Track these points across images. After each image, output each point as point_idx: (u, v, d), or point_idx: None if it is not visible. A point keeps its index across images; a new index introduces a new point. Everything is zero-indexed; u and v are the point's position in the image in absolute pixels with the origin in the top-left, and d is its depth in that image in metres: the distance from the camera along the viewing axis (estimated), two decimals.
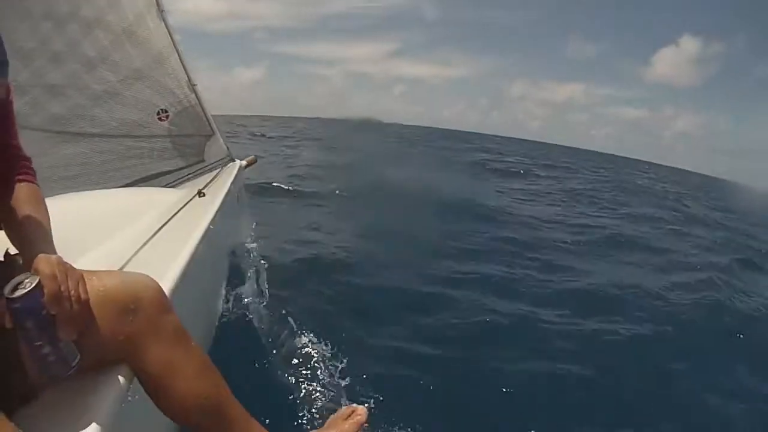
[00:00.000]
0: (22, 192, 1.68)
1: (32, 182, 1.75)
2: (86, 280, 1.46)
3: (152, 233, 2.95)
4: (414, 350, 5.12)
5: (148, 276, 1.66)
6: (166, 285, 2.06)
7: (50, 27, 4.80)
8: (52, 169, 4.92)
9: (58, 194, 4.49)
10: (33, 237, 1.59)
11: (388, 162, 20.11)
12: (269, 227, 8.53)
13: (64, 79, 4.91)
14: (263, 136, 36.35)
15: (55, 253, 1.53)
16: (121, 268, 2.40)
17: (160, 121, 5.21)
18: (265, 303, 5.09)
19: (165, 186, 5.20)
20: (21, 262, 1.55)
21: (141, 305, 1.55)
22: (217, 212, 3.46)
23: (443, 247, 8.92)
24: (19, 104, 4.59)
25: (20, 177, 1.71)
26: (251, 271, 5.35)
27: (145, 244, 2.78)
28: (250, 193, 8.14)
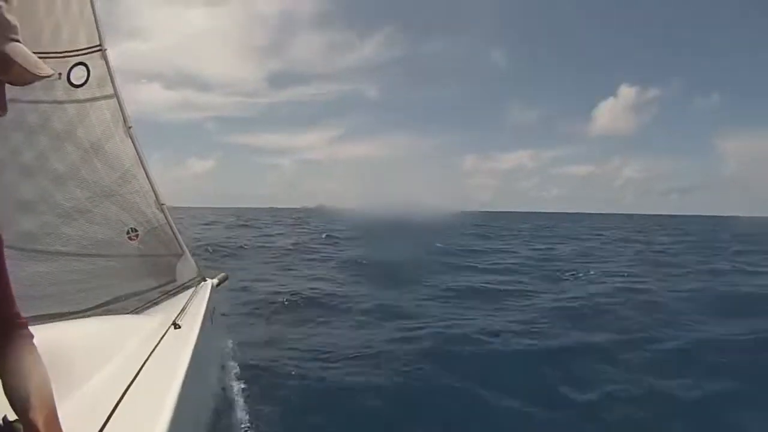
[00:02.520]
0: (20, 353, 1.65)
1: (30, 344, 1.72)
2: None
3: (130, 377, 2.76)
4: None
5: None
6: None
7: (20, 137, 4.70)
8: (20, 287, 4.60)
9: (27, 316, 4.22)
10: (37, 403, 1.52)
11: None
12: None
13: (33, 194, 4.78)
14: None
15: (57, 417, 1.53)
16: (104, 424, 2.25)
17: (130, 241, 5.08)
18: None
19: (138, 307, 5.06)
20: (21, 428, 1.50)
21: None
22: (194, 351, 3.32)
23: None
24: None
25: (17, 337, 1.68)
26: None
27: (125, 392, 2.58)
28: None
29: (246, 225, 42.34)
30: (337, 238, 30.91)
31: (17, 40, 1.29)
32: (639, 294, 13.10)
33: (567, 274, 16.67)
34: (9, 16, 1.28)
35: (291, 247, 23.92)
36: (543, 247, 29.46)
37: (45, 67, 1.34)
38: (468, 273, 16.26)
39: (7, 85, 1.33)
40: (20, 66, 1.27)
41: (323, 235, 31.86)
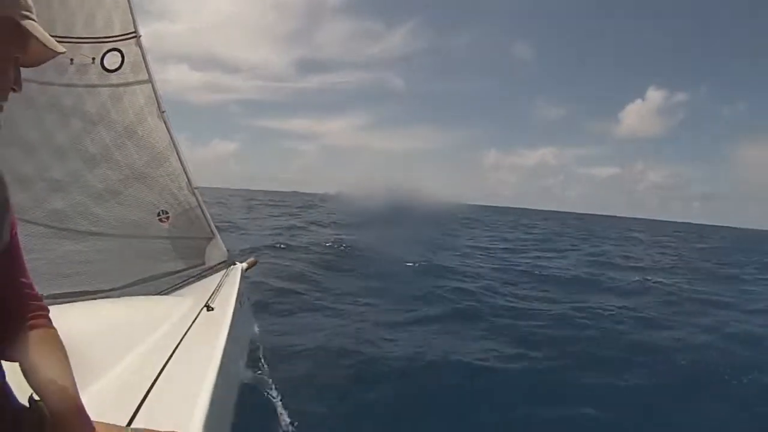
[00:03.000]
0: (38, 337, 1.56)
1: (48, 326, 1.62)
2: None
3: (164, 359, 2.79)
4: None
5: None
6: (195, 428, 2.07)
7: (54, 119, 4.81)
8: (51, 265, 4.85)
9: (57, 293, 4.36)
10: (54, 387, 1.49)
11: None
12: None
13: (66, 175, 4.88)
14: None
15: (79, 398, 1.51)
16: (140, 403, 2.27)
17: (160, 222, 5.16)
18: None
19: (167, 288, 5.15)
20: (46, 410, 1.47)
21: None
22: (228, 334, 3.33)
23: None
24: (21, 197, 4.61)
25: (34, 321, 1.58)
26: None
27: (159, 373, 2.60)
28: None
29: (251, 207, 41.58)
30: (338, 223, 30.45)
31: (33, 19, 1.29)
32: None
33: None
34: None
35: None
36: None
37: (59, 46, 1.34)
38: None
39: (38, 68, 1.38)
40: (38, 41, 1.28)
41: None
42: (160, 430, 1.71)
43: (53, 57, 1.36)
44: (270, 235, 19.71)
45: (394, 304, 10.23)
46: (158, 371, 2.60)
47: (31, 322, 1.56)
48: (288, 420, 4.84)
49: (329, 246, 17.55)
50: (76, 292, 4.84)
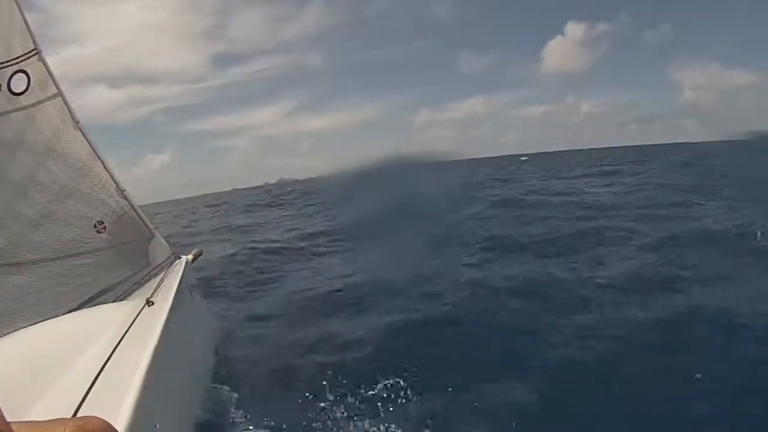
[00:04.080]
0: None
1: None
2: None
3: (104, 360, 2.85)
4: None
5: (96, 418, 1.59)
6: (122, 420, 2.07)
7: None
8: (0, 303, 4.81)
9: (7, 330, 4.35)
10: None
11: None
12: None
13: None
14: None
15: None
16: (78, 408, 2.31)
17: (98, 234, 5.12)
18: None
19: (118, 297, 5.11)
20: None
21: None
22: (166, 321, 3.42)
23: None
24: None
25: None
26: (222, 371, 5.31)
27: (98, 374, 2.67)
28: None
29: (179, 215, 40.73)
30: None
31: None
32: None
33: None
34: None
35: None
36: None
37: None
38: None
39: None
40: None
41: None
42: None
43: None
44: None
45: None
46: (98, 371, 2.66)
47: None
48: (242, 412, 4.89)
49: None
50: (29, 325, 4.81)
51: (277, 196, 42.76)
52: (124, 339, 3.18)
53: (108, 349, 3.02)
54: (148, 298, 3.93)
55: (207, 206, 46.31)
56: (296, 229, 19.38)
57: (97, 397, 2.42)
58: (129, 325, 3.42)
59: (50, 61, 4.95)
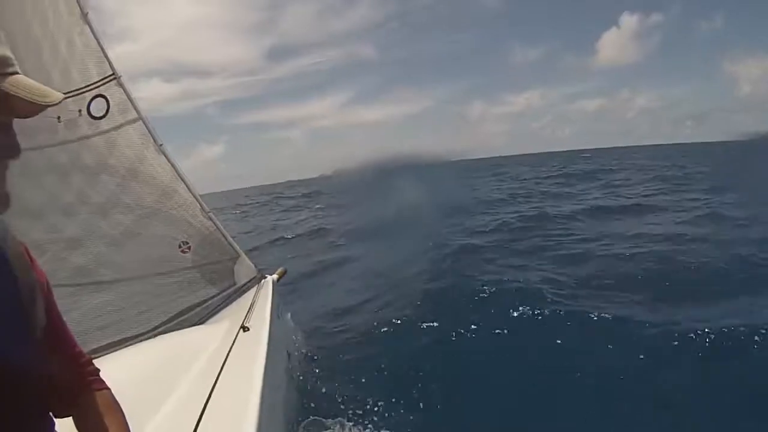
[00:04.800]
0: (96, 402, 1.60)
1: (103, 389, 1.66)
2: None
3: (210, 384, 2.88)
4: None
5: None
6: None
7: (54, 180, 4.87)
8: (85, 320, 4.94)
9: (96, 347, 4.44)
10: None
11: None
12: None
13: (80, 230, 4.94)
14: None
15: None
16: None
17: (183, 254, 5.21)
18: None
19: (204, 317, 5.21)
20: None
21: None
22: (268, 349, 3.43)
23: None
24: (40, 262, 4.54)
25: (89, 385, 1.62)
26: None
27: (208, 399, 2.71)
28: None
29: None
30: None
31: (16, 72, 1.16)
32: None
33: None
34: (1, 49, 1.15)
35: None
36: None
37: (53, 93, 1.20)
38: None
39: (31, 132, 1.22)
40: (23, 100, 1.14)
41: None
42: None
43: (51, 106, 1.21)
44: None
45: None
46: (204, 402, 2.68)
47: (86, 386, 1.60)
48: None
49: None
50: (115, 342, 4.95)
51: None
52: (225, 366, 3.18)
53: (210, 375, 3.04)
54: (243, 324, 3.93)
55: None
56: None
57: (211, 422, 2.47)
58: (228, 349, 3.44)
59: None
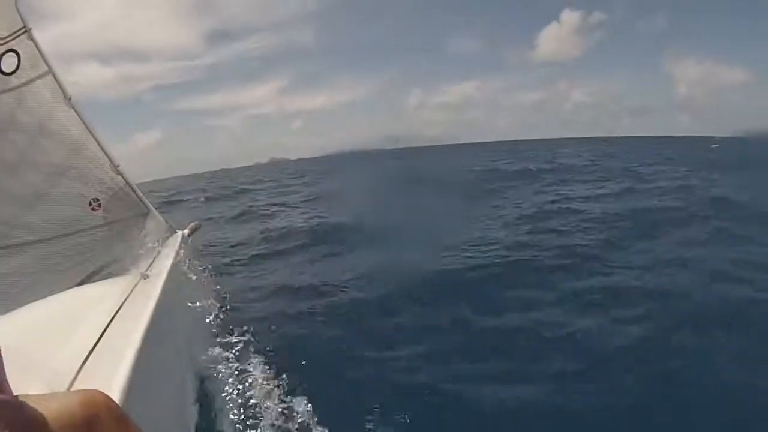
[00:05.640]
0: None
1: None
2: (36, 406, 1.44)
3: (99, 334, 2.88)
4: None
5: (97, 391, 1.63)
6: (116, 392, 2.08)
7: None
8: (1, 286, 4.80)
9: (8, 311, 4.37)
10: None
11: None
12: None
13: None
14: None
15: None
16: (73, 380, 2.37)
17: (93, 212, 5.11)
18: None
19: (118, 274, 5.02)
20: None
21: (97, 424, 1.53)
22: (161, 293, 3.43)
23: None
24: None
25: None
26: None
27: (93, 348, 2.71)
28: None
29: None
30: None
31: None
32: None
33: None
34: None
35: None
36: None
37: None
38: None
39: None
40: None
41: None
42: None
43: None
44: None
45: None
46: (92, 345, 2.70)
47: None
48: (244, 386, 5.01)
49: None
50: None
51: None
52: (119, 313, 3.21)
53: (103, 323, 3.04)
54: (143, 272, 3.95)
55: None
56: None
57: (93, 370, 2.47)
58: (124, 299, 3.44)
59: (40, 36, 4.88)
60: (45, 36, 4.88)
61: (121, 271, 5.05)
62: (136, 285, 3.71)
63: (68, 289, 4.85)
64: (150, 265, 4.19)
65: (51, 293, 4.72)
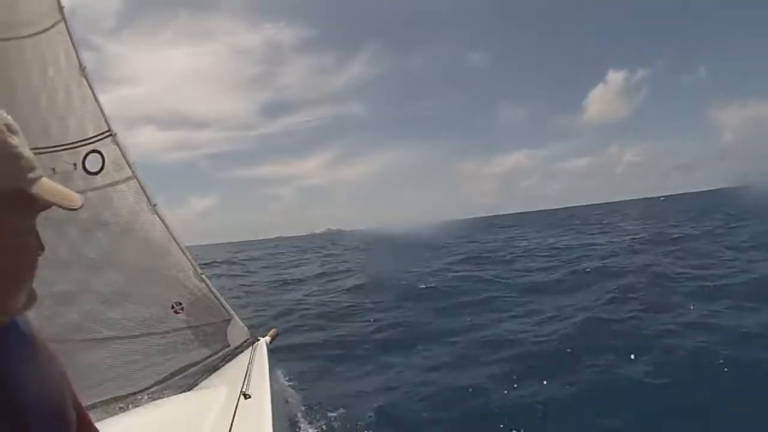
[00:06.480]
0: None
1: None
2: None
3: None
4: None
5: None
6: None
7: (49, 234, 4.65)
8: (77, 378, 4.62)
9: (88, 405, 4.30)
10: None
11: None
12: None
13: (73, 286, 4.83)
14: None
15: None
16: None
17: (176, 314, 5.12)
18: None
19: (198, 378, 5.09)
20: None
21: None
22: (273, 420, 3.35)
23: None
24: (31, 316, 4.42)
25: None
26: None
27: None
28: None
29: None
30: None
31: (41, 176, 1.16)
32: None
33: None
34: (25, 151, 1.12)
35: None
36: None
37: (75, 197, 1.22)
38: None
39: None
40: (49, 202, 1.15)
41: None
42: None
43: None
44: None
45: None
46: None
47: None
48: None
49: None
50: (107, 400, 4.83)
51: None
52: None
53: None
54: (243, 391, 3.81)
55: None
56: None
57: None
58: (232, 418, 3.35)
59: (104, 99, 4.99)
60: (108, 98, 4.97)
61: (200, 376, 4.97)
62: (237, 404, 3.59)
63: (144, 389, 4.80)
64: (245, 382, 4.02)
65: (126, 390, 4.71)
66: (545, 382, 6.63)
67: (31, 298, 1.18)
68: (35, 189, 1.12)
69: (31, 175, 1.12)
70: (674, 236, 22.42)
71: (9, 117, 1.09)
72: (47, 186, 1.15)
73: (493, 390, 6.66)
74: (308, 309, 13.57)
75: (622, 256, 17.93)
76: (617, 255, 18.22)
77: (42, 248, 1.23)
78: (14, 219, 1.12)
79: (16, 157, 1.09)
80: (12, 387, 1.17)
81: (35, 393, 1.24)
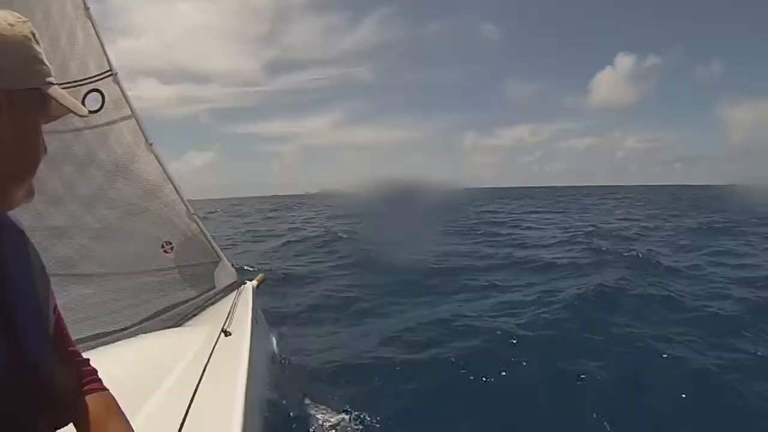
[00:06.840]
0: (98, 405, 1.51)
1: (103, 389, 1.57)
2: None
3: (192, 389, 2.85)
4: None
5: None
6: None
7: (44, 168, 4.73)
8: (64, 311, 4.75)
9: (75, 339, 4.38)
10: None
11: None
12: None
13: (65, 220, 4.91)
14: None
15: None
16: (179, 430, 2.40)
17: (165, 254, 5.20)
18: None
19: (182, 317, 5.20)
20: None
21: None
22: (250, 355, 3.43)
23: None
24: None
25: (88, 386, 1.53)
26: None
27: (190, 405, 2.68)
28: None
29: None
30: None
31: (53, 83, 1.27)
32: None
33: None
34: (45, 59, 1.25)
35: None
36: None
37: (81, 107, 1.35)
38: None
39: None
40: (61, 107, 1.28)
41: None
42: None
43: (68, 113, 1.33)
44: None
45: None
46: (187, 404, 2.66)
47: (86, 387, 1.53)
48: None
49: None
50: (93, 335, 4.88)
51: None
52: (207, 370, 3.17)
53: (192, 378, 3.02)
54: (224, 328, 3.91)
55: None
56: None
57: (195, 426, 2.46)
58: (210, 353, 3.43)
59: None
60: (111, 49, 5.08)
61: (184, 316, 5.08)
62: (217, 341, 3.68)
63: (128, 327, 4.90)
64: (227, 321, 4.12)
65: (109, 327, 4.90)
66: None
67: (30, 193, 1.27)
68: (51, 92, 1.24)
69: (49, 79, 1.24)
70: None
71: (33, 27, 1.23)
72: (60, 92, 1.27)
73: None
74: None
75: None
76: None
77: (45, 151, 1.30)
78: (31, 115, 1.23)
79: (39, 61, 1.22)
80: (3, 275, 1.26)
81: (24, 285, 1.31)
